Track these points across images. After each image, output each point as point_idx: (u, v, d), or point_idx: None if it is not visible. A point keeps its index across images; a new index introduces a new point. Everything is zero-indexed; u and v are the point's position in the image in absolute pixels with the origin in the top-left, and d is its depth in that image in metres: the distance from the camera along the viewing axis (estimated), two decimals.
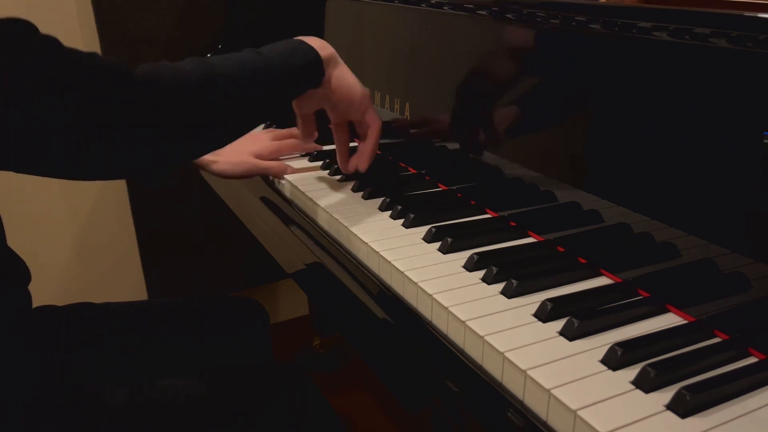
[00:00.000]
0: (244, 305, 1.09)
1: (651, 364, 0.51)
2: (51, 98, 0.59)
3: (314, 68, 0.82)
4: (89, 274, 1.75)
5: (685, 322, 0.60)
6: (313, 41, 0.83)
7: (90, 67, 0.62)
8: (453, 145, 0.93)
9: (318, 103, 0.88)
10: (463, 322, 0.59)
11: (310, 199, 0.88)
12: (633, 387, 0.51)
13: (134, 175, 0.69)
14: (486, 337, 0.57)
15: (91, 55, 0.63)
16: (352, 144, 0.94)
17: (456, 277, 0.67)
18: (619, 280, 0.67)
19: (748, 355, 0.55)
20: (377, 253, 0.73)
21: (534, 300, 0.62)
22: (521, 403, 0.53)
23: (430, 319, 0.64)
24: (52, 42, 0.61)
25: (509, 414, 0.53)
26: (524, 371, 0.52)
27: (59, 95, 0.60)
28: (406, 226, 0.79)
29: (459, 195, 0.89)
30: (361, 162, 0.91)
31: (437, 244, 0.74)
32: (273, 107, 0.81)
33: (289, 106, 0.87)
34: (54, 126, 0.61)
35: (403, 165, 1.02)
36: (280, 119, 1.19)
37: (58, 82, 0.60)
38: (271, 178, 1.01)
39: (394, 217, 0.82)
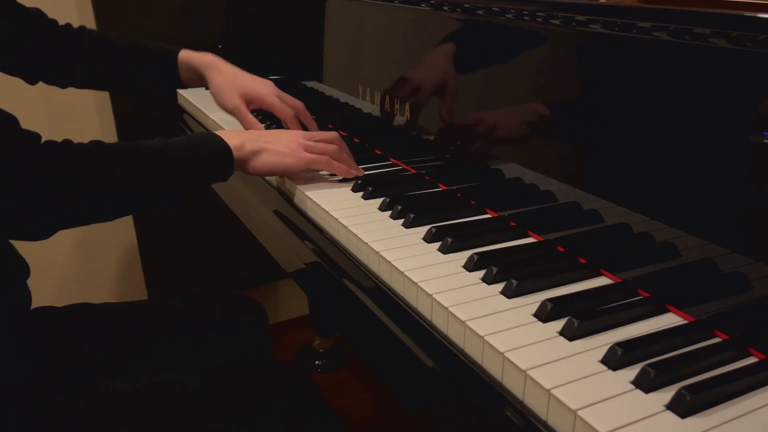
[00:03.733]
0: (243, 305, 1.09)
1: (651, 364, 0.51)
2: None
3: (215, 165, 0.84)
4: (89, 273, 1.75)
5: (685, 322, 0.60)
6: (232, 138, 0.85)
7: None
8: (453, 145, 0.93)
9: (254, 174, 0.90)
10: (463, 322, 0.59)
11: (310, 199, 0.88)
12: (633, 387, 0.51)
13: (20, 233, 0.74)
14: (486, 337, 0.57)
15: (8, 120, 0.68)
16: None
17: (456, 277, 0.67)
18: (619, 280, 0.67)
19: (748, 355, 0.55)
20: (377, 253, 0.73)
21: (534, 300, 0.62)
22: (521, 403, 0.53)
23: (430, 318, 0.64)
24: None
25: (509, 414, 0.53)
26: (524, 371, 0.52)
27: None
28: (406, 226, 0.79)
29: (459, 195, 0.89)
30: (343, 176, 0.93)
31: (437, 244, 0.74)
32: (166, 192, 0.82)
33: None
34: None
35: (403, 165, 1.02)
36: None
37: None
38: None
39: (394, 217, 0.82)
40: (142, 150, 0.78)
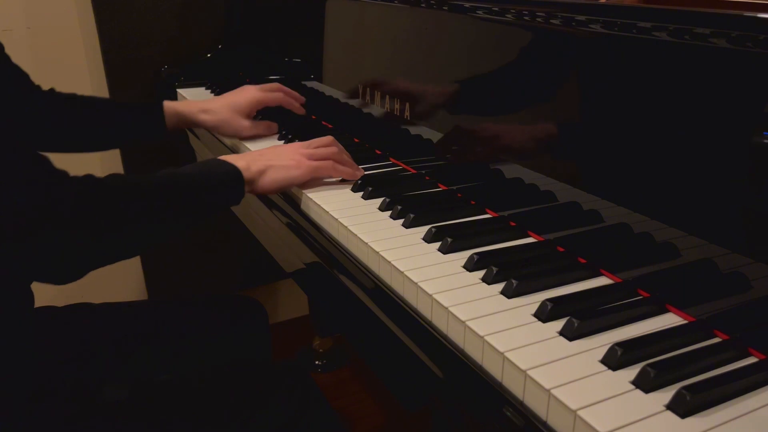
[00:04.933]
0: (244, 304, 1.09)
1: (651, 364, 0.51)
2: None
3: (229, 190, 0.85)
4: (89, 274, 1.75)
5: (685, 322, 0.60)
6: (238, 160, 0.86)
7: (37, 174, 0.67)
8: (453, 145, 0.93)
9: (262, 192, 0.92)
10: (463, 322, 0.59)
11: (310, 199, 0.88)
12: (633, 387, 0.51)
13: (50, 277, 0.75)
14: (486, 337, 0.57)
15: (43, 162, 0.68)
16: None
17: (456, 277, 0.67)
18: (619, 280, 0.67)
19: (748, 355, 0.55)
20: (377, 253, 0.73)
21: (534, 300, 0.62)
22: (521, 403, 0.53)
23: (430, 318, 0.64)
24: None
25: (509, 414, 0.53)
26: (524, 371, 0.52)
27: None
28: (406, 226, 0.79)
29: (459, 195, 0.89)
30: (347, 178, 0.94)
31: (437, 244, 0.74)
32: (184, 221, 0.83)
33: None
34: None
35: (403, 165, 1.02)
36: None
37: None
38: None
39: (394, 217, 0.82)
40: (160, 184, 0.79)
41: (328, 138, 0.96)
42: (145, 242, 0.82)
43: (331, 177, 0.93)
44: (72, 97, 1.09)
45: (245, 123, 1.13)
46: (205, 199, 0.83)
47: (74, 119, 1.08)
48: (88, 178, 0.73)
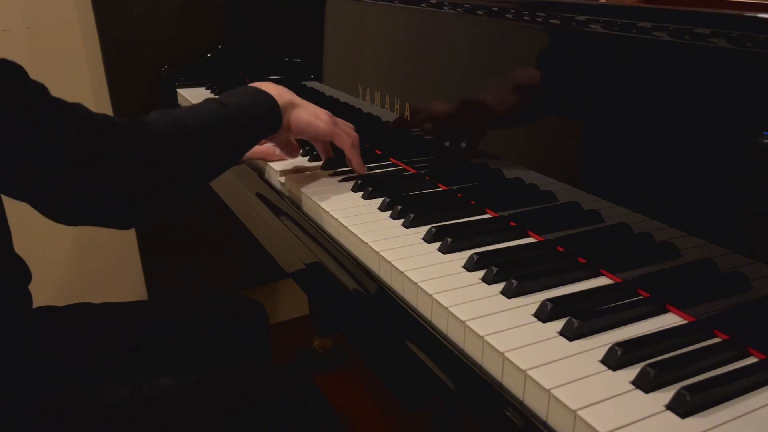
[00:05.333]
0: (244, 305, 1.09)
1: (651, 364, 0.51)
2: (35, 142, 0.62)
3: (272, 117, 0.86)
4: (89, 273, 1.75)
5: (685, 322, 0.60)
6: (270, 88, 0.87)
7: (80, 117, 0.66)
8: (453, 145, 0.93)
9: (285, 133, 0.91)
10: (463, 322, 0.59)
11: (311, 199, 0.88)
12: (633, 387, 0.51)
13: (110, 222, 0.74)
14: (486, 337, 0.57)
15: (78, 105, 0.66)
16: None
17: (456, 277, 0.67)
18: (619, 280, 0.67)
19: (748, 355, 0.55)
20: (377, 253, 0.73)
21: (534, 300, 0.62)
22: (521, 403, 0.53)
23: (430, 318, 0.64)
24: (40, 88, 0.63)
25: (509, 414, 0.53)
26: (524, 371, 0.52)
27: (43, 139, 0.62)
28: (406, 226, 0.79)
29: (459, 195, 0.89)
30: (355, 169, 0.96)
31: (437, 244, 0.74)
32: (235, 152, 0.85)
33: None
34: (37, 168, 0.63)
35: (403, 165, 1.02)
36: None
37: (45, 127, 0.62)
38: (266, 175, 1.02)
39: (394, 217, 0.82)
40: (207, 120, 0.79)
41: (351, 125, 0.98)
42: (193, 184, 0.81)
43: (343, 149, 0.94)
44: None
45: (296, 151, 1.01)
46: (248, 132, 0.84)
47: None
48: (132, 123, 0.71)
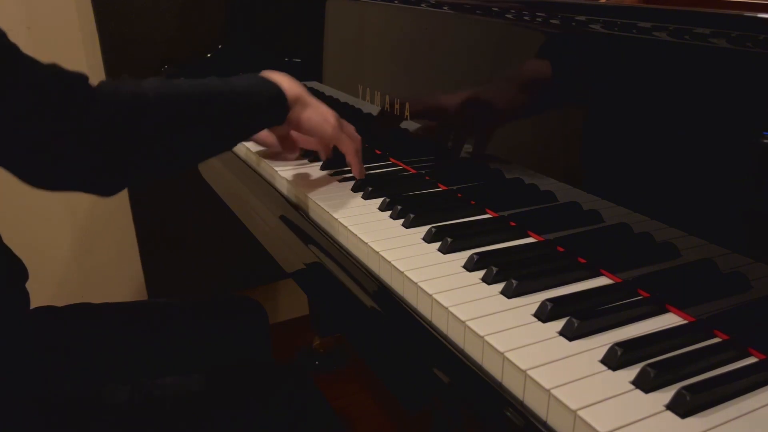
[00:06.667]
0: (243, 305, 1.09)
1: (651, 364, 0.51)
2: (6, 101, 0.60)
3: (277, 106, 0.84)
4: (89, 273, 1.75)
5: (685, 322, 0.60)
6: (282, 79, 0.85)
7: (53, 74, 0.63)
8: (453, 145, 0.93)
9: (290, 127, 0.90)
10: (463, 322, 0.59)
11: (311, 199, 0.88)
12: (633, 387, 0.51)
13: (90, 187, 0.71)
14: (486, 337, 0.57)
15: (53, 65, 0.64)
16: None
17: (456, 277, 0.67)
18: (619, 280, 0.67)
19: (748, 355, 0.55)
20: (377, 253, 0.73)
21: (534, 300, 0.62)
22: (521, 403, 0.53)
23: (430, 318, 0.64)
24: (11, 48, 0.61)
25: (509, 414, 0.53)
26: (524, 371, 0.52)
27: (14, 98, 0.60)
28: (406, 226, 0.79)
29: (459, 195, 0.89)
30: (355, 173, 0.94)
31: (437, 244, 0.74)
32: (233, 134, 0.81)
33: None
34: (8, 127, 0.61)
35: (403, 165, 1.02)
36: None
37: (15, 85, 0.60)
38: (266, 175, 1.02)
39: (394, 217, 0.82)
40: (199, 93, 0.76)
41: (353, 128, 0.97)
42: (183, 157, 0.79)
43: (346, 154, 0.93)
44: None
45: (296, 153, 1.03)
46: (248, 115, 0.82)
47: None
48: (118, 86, 0.69)
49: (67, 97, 0.63)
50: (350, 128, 0.94)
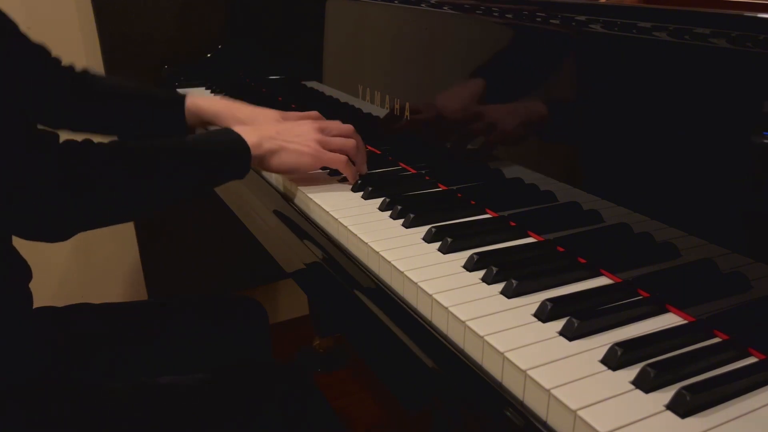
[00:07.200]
0: (243, 305, 1.09)
1: (651, 364, 0.51)
2: None
3: (237, 160, 0.84)
4: (89, 273, 1.75)
5: (685, 322, 0.60)
6: (250, 135, 0.85)
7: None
8: (453, 145, 0.93)
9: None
10: (463, 322, 0.59)
11: (311, 199, 0.88)
12: (633, 387, 0.51)
13: (35, 234, 0.74)
14: (486, 337, 0.57)
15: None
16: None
17: (456, 277, 0.67)
18: (619, 280, 0.67)
19: (748, 355, 0.55)
20: (377, 253, 0.73)
21: (534, 300, 0.62)
22: (521, 403, 0.53)
23: (430, 318, 0.64)
24: None
25: (509, 414, 0.53)
26: (524, 371, 0.52)
27: None
28: (406, 226, 0.79)
29: (459, 195, 0.89)
30: (349, 180, 0.93)
31: (437, 244, 0.74)
32: (187, 184, 0.82)
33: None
34: None
35: (403, 165, 1.02)
36: None
37: None
38: (265, 175, 1.02)
39: (394, 217, 0.82)
40: (161, 149, 0.78)
41: (349, 128, 0.94)
42: (137, 207, 0.81)
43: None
44: (91, 77, 1.07)
45: None
46: (206, 168, 0.82)
47: (92, 107, 1.06)
48: (84, 141, 0.73)
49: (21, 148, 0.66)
50: (339, 131, 0.92)
